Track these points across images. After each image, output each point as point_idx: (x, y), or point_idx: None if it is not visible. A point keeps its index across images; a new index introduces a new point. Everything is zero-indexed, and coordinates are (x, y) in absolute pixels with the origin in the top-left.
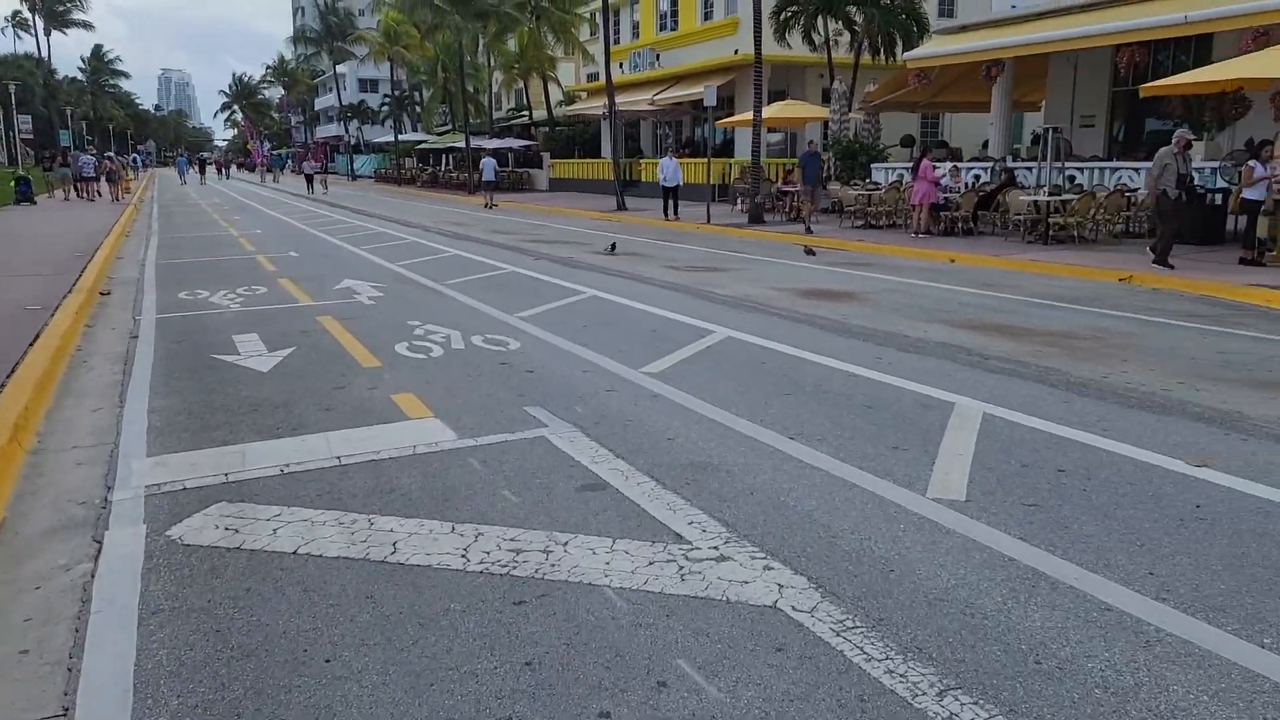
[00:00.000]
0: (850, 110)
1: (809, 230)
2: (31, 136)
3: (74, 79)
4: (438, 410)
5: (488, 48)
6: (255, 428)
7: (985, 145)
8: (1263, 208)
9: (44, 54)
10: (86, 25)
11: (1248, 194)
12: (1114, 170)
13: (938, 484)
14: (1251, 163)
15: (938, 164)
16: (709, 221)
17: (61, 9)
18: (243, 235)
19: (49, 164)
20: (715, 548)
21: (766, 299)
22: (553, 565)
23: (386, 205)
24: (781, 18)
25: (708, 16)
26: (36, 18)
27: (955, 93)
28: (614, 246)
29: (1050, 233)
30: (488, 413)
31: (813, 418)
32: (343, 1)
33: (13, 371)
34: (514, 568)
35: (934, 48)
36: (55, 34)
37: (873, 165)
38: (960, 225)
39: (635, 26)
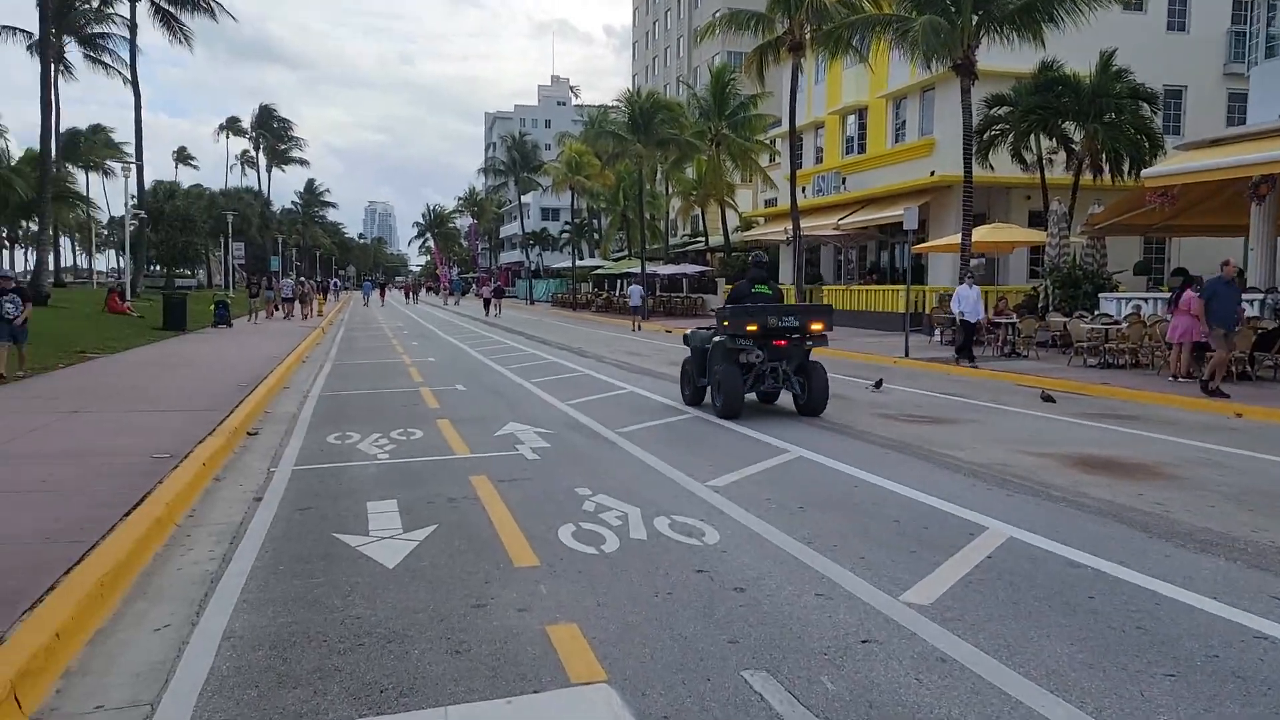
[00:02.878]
0: (1070, 234)
1: (1212, 393)
2: (244, 261)
3: (288, 209)
4: (612, 667)
5: (666, 175)
6: (348, 691)
7: (1241, 274)
8: None
9: (263, 188)
10: (303, 162)
11: None
12: None
13: None
14: None
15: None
16: (907, 355)
17: (283, 148)
18: (414, 364)
19: (256, 288)
20: None
21: (1029, 469)
22: None
23: (560, 331)
24: (985, 136)
25: (899, 139)
26: (261, 156)
27: (1195, 215)
28: (879, 383)
29: None
30: (686, 680)
31: None
32: (530, 135)
33: (79, 562)
34: None
35: (1179, 164)
36: (275, 170)
37: (1100, 295)
38: (1234, 369)
39: (819, 151)
